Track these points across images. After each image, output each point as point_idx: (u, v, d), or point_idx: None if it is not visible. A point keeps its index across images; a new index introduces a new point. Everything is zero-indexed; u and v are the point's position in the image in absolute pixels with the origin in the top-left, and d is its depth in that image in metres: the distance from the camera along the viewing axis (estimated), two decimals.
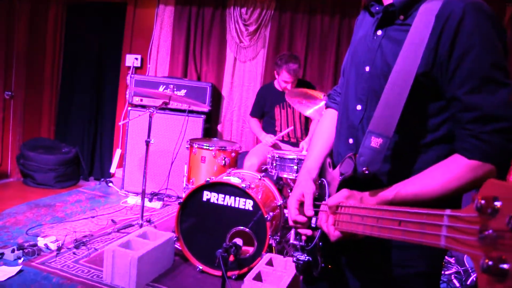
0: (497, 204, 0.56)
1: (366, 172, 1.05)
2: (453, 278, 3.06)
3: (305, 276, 1.29)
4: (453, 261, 3.21)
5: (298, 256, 1.24)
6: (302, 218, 1.20)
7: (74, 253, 3.04)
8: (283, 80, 3.97)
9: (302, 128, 4.16)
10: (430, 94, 1.06)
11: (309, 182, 1.25)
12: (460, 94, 1.00)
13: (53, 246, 3.05)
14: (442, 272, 3.11)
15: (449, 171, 1.00)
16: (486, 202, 0.57)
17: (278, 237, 2.94)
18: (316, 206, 1.20)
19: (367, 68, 1.17)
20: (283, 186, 3.57)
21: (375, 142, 1.05)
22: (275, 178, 3.48)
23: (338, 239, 1.03)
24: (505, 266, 0.53)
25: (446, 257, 3.25)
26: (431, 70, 1.03)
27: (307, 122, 4.20)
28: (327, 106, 1.48)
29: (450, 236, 0.65)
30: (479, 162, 0.97)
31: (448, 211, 0.67)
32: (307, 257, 1.22)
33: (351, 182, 1.10)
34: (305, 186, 1.24)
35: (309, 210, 1.18)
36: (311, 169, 1.32)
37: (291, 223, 1.24)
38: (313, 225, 1.21)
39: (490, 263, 0.55)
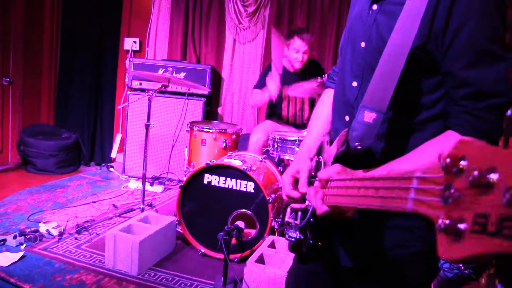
0: (463, 163, 0.53)
1: (359, 147, 1.03)
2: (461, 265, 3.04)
3: (297, 254, 1.28)
4: None
5: (290, 234, 1.23)
6: (295, 193, 1.19)
7: (76, 239, 3.04)
8: (294, 49, 3.76)
9: (308, 107, 4.08)
10: (425, 68, 1.03)
11: (306, 160, 1.24)
12: (455, 69, 0.97)
13: (54, 232, 3.04)
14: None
15: (442, 148, 0.97)
16: (451, 161, 0.55)
17: (280, 219, 2.93)
18: (311, 184, 1.18)
19: (363, 44, 1.14)
20: (284, 168, 3.54)
21: (368, 116, 1.03)
22: (276, 160, 3.46)
23: (325, 214, 1.00)
24: (462, 225, 0.51)
25: None
26: (427, 43, 0.99)
27: (312, 101, 4.10)
28: (326, 86, 1.46)
29: (417, 198, 0.63)
30: (472, 139, 0.94)
31: (418, 173, 0.64)
32: (299, 235, 1.21)
33: (346, 159, 1.07)
34: (301, 163, 1.22)
35: (303, 187, 1.17)
36: (310, 148, 1.31)
37: (284, 197, 1.23)
38: (307, 204, 1.20)
39: (447, 222, 0.53)
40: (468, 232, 0.50)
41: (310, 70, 3.91)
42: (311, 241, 1.15)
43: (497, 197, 0.47)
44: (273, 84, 3.61)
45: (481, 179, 0.49)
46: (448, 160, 0.56)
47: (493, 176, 0.48)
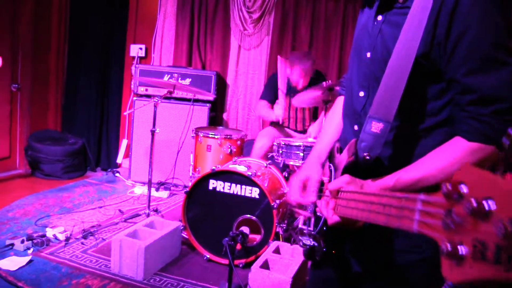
0: (463, 188, 0.55)
1: (367, 157, 1.04)
2: None
3: (311, 260, 1.30)
4: None
5: (304, 241, 1.25)
6: (302, 201, 1.20)
7: (82, 243, 3.07)
8: (296, 75, 3.88)
9: (311, 117, 4.12)
10: (430, 76, 1.04)
11: (317, 166, 1.25)
12: (459, 76, 0.98)
13: (61, 237, 3.07)
14: None
15: (449, 155, 0.98)
16: (452, 187, 0.57)
17: (285, 225, 2.94)
18: (321, 192, 1.20)
19: (368, 54, 1.15)
20: (289, 174, 3.56)
21: (376, 127, 1.04)
22: (281, 165, 3.47)
23: (336, 224, 1.03)
24: (463, 250, 0.53)
25: None
26: (430, 52, 1.00)
27: (315, 110, 4.16)
28: (338, 94, 1.48)
29: (422, 220, 0.66)
30: (480, 144, 0.96)
31: (422, 196, 0.67)
32: (313, 242, 1.23)
33: (354, 168, 1.09)
34: (311, 170, 1.24)
35: (311, 196, 1.18)
36: (321, 153, 1.33)
37: (291, 201, 1.25)
38: (318, 214, 1.21)
39: (449, 247, 0.55)
40: (469, 257, 0.52)
41: (314, 80, 3.97)
42: (324, 249, 1.17)
43: (493, 227, 0.50)
44: (280, 109, 3.75)
45: (479, 208, 0.52)
46: (449, 186, 0.58)
47: (491, 206, 0.51)
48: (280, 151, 3.34)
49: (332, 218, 1.03)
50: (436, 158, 0.99)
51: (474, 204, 0.52)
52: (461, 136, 0.99)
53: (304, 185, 1.24)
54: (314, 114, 4.16)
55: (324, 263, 1.22)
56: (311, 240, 1.24)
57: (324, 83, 3.18)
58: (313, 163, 1.28)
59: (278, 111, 3.77)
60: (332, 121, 1.41)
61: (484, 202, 0.51)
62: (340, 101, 1.43)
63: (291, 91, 3.94)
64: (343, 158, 1.17)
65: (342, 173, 1.11)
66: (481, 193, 0.52)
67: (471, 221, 0.54)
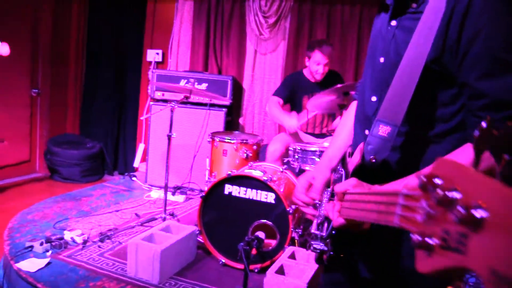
0: (437, 181, 0.56)
1: (373, 160, 1.04)
2: None
3: (321, 265, 1.30)
4: None
5: (314, 245, 1.25)
6: (304, 198, 1.20)
7: (99, 246, 3.10)
8: (315, 62, 3.81)
9: (328, 118, 4.10)
10: (441, 81, 1.03)
11: (325, 169, 1.26)
12: (471, 80, 0.96)
13: (79, 240, 3.11)
14: None
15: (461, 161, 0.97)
16: (427, 180, 0.58)
17: (300, 230, 2.93)
18: (332, 196, 1.20)
19: (382, 59, 1.15)
20: None
21: (383, 130, 1.04)
22: (297, 170, 3.46)
23: (341, 226, 1.03)
24: (431, 241, 0.54)
25: None
26: (441, 56, 0.99)
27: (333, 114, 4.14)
28: (353, 99, 1.47)
29: (402, 214, 0.66)
30: (451, 158, 0.94)
31: (404, 190, 0.67)
32: (323, 246, 1.23)
33: (362, 171, 1.09)
34: (319, 172, 1.24)
35: (314, 194, 1.18)
36: (332, 157, 1.33)
37: (294, 199, 1.25)
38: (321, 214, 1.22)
39: (419, 238, 0.56)
40: (438, 247, 0.53)
41: (331, 81, 3.92)
42: (331, 253, 1.17)
43: (453, 215, 0.50)
44: (294, 121, 3.64)
45: (444, 198, 0.52)
46: (424, 178, 0.59)
47: (455, 195, 0.51)
48: (296, 156, 3.33)
49: (337, 220, 1.03)
50: None
51: (440, 194, 0.53)
52: (471, 143, 0.97)
53: (310, 185, 1.24)
54: (333, 120, 4.14)
55: (334, 267, 1.22)
56: (321, 244, 1.24)
57: (339, 85, 3.15)
58: (322, 166, 1.28)
59: (292, 124, 3.63)
60: (345, 126, 1.40)
61: (449, 192, 0.52)
62: (353, 106, 1.43)
63: (308, 87, 3.94)
64: (353, 162, 1.18)
65: (351, 176, 1.11)
66: (449, 183, 0.53)
67: (441, 211, 0.54)
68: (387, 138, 1.03)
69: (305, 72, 4.04)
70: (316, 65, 3.82)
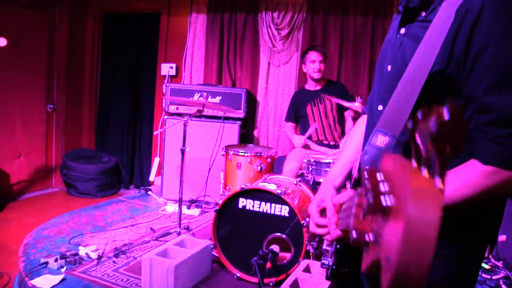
0: (378, 177, 0.55)
1: None
2: (501, 283, 2.90)
3: (331, 280, 1.27)
4: (501, 265, 3.05)
5: (323, 261, 1.22)
6: (323, 221, 1.17)
7: (113, 262, 3.09)
8: (311, 61, 4.10)
9: (335, 125, 4.09)
10: (446, 93, 0.98)
11: (330, 188, 1.22)
12: (477, 94, 0.93)
13: (93, 255, 3.11)
14: (489, 277, 2.96)
15: (461, 178, 0.92)
16: (369, 177, 0.57)
17: (315, 243, 2.88)
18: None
19: (389, 67, 1.12)
20: None
21: (381, 141, 1.01)
22: (311, 183, 3.43)
23: (338, 238, 1.00)
24: (367, 238, 0.54)
25: (493, 260, 3.09)
26: (447, 68, 0.96)
27: (341, 118, 4.13)
28: (362, 112, 1.44)
29: (354, 213, 0.66)
30: (495, 168, 0.90)
31: (359, 189, 0.67)
32: (331, 262, 1.20)
33: (360, 182, 1.06)
34: (324, 192, 1.20)
35: (329, 213, 1.15)
36: (335, 176, 1.29)
37: (312, 228, 1.20)
38: None
39: (356, 235, 0.56)
40: (372, 244, 0.54)
41: (334, 89, 4.10)
42: (334, 267, 1.14)
43: (368, 203, 0.53)
44: (299, 140, 4.05)
45: (377, 192, 0.53)
46: (367, 176, 0.59)
47: (382, 188, 0.51)
48: (310, 168, 3.30)
49: (334, 233, 1.01)
50: (448, 181, 0.94)
51: (377, 189, 0.53)
52: (476, 159, 0.93)
53: (322, 209, 1.20)
54: (341, 124, 4.17)
55: (338, 282, 1.19)
56: (330, 260, 1.21)
57: (356, 101, 3.27)
58: (325, 186, 1.24)
59: (297, 141, 4.05)
60: (351, 140, 1.37)
61: (382, 186, 0.52)
62: (362, 119, 1.40)
63: (311, 95, 4.19)
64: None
65: (351, 188, 1.08)
66: (386, 179, 0.52)
67: (373, 209, 0.54)
68: (384, 149, 1.00)
69: (307, 85, 4.29)
70: (312, 63, 4.10)
